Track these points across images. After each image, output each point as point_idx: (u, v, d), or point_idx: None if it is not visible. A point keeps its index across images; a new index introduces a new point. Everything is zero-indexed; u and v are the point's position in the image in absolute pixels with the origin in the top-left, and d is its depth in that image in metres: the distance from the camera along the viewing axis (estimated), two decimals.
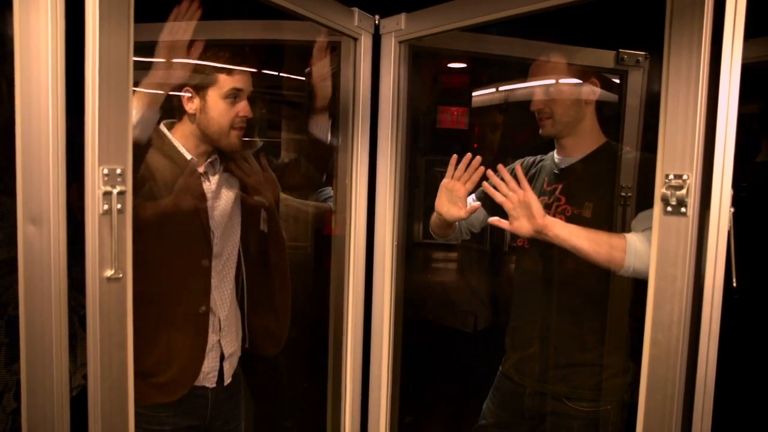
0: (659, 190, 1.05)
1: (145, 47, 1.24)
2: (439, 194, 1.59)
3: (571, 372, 1.51)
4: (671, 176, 1.04)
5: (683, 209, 1.03)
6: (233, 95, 1.41)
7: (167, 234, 1.37)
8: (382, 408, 1.79)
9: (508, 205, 1.40)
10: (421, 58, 1.94)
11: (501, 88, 2.39)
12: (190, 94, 1.40)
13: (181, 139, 1.44)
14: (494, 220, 1.44)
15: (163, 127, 1.45)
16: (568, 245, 1.34)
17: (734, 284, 1.04)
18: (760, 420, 1.83)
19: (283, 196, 1.75)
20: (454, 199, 1.55)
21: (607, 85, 1.64)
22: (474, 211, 1.54)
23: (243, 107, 1.43)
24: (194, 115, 1.42)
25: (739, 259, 1.05)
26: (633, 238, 1.31)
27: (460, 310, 2.51)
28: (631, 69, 1.83)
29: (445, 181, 1.56)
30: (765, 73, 2.07)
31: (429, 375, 2.39)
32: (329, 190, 1.93)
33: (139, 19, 0.97)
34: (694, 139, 1.02)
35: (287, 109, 2.42)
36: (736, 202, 1.03)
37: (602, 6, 1.28)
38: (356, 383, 1.80)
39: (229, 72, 1.40)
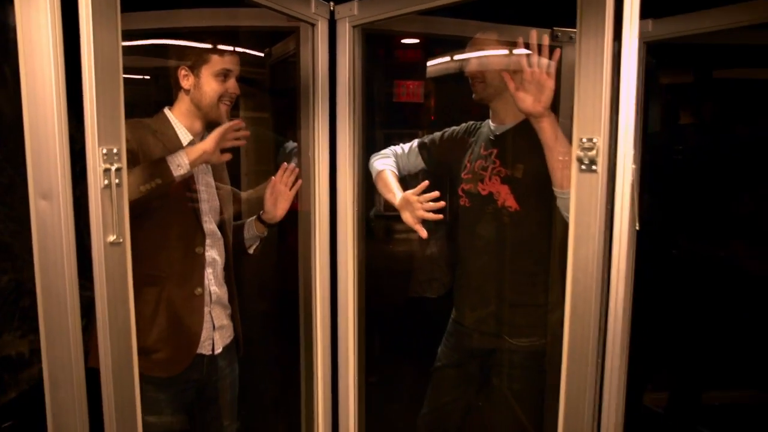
0: (575, 151, 1.26)
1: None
2: (403, 198, 1.79)
3: (510, 313, 1.75)
4: (584, 139, 1.25)
5: (594, 167, 1.24)
6: (223, 74, 1.61)
7: (166, 222, 1.56)
8: (350, 366, 1.96)
9: (527, 75, 1.50)
10: (376, 38, 2.10)
11: (453, 60, 2.55)
12: (186, 72, 1.60)
13: (179, 117, 1.65)
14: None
15: (167, 111, 1.66)
16: (545, 140, 1.52)
17: (637, 227, 1.27)
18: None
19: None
20: (410, 209, 1.75)
21: None
22: (420, 231, 1.75)
23: (232, 84, 1.64)
24: (189, 90, 1.62)
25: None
26: None
27: (422, 279, 2.71)
28: (565, 45, 2.02)
29: (409, 194, 1.75)
30: (681, 48, 2.33)
31: (393, 336, 2.60)
32: (291, 143, 2.10)
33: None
34: (601, 108, 1.22)
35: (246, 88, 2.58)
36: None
37: None
38: (325, 346, 1.96)
39: (220, 53, 1.60)
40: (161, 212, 1.53)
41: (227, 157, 1.61)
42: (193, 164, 1.52)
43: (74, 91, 1.07)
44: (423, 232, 1.74)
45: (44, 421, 1.88)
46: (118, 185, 1.11)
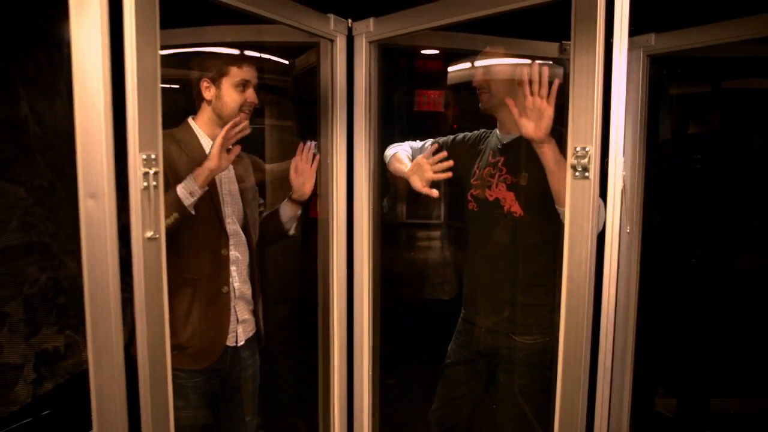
0: (569, 159, 1.37)
1: None
2: (414, 163, 1.90)
3: (516, 312, 1.85)
4: (578, 148, 1.35)
5: (587, 174, 1.35)
6: (242, 84, 1.74)
7: (193, 230, 1.68)
8: (364, 368, 2.07)
9: (528, 102, 1.60)
10: (396, 49, 2.21)
11: (464, 70, 2.65)
12: (207, 84, 1.74)
13: (202, 126, 1.78)
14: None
15: (191, 121, 1.79)
16: (546, 163, 1.63)
17: (628, 230, 1.37)
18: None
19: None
20: (420, 174, 1.86)
21: None
22: (429, 192, 1.85)
23: (250, 95, 1.76)
24: (211, 101, 1.75)
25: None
26: None
27: (435, 281, 2.83)
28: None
29: (421, 158, 1.88)
30: (691, 60, 2.42)
31: (408, 335, 2.71)
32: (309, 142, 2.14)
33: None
34: (593, 119, 1.33)
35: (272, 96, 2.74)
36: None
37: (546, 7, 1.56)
38: (342, 345, 2.07)
39: (239, 65, 1.73)
40: (189, 221, 1.64)
41: (237, 150, 1.68)
42: (203, 185, 1.61)
43: (118, 103, 1.21)
44: (434, 192, 1.84)
45: (78, 411, 2.03)
46: (155, 187, 1.25)
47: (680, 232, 2.68)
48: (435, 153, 1.84)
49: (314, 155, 1.97)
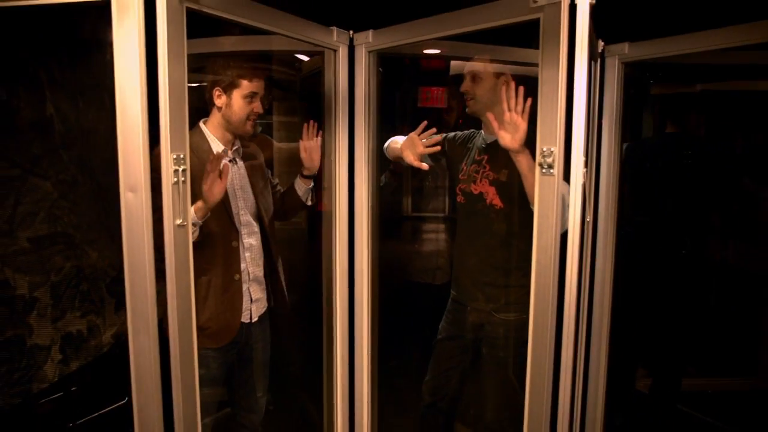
0: (538, 158, 1.59)
1: None
2: (407, 138, 2.11)
3: (497, 292, 2.08)
4: (544, 149, 1.57)
5: (552, 170, 1.56)
6: (250, 96, 1.95)
7: (208, 227, 1.88)
8: (364, 347, 2.28)
9: (506, 116, 1.79)
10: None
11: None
12: (219, 93, 1.94)
13: (212, 130, 1.98)
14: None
15: (202, 125, 1.99)
16: (521, 170, 1.83)
17: (588, 219, 1.59)
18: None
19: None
20: (412, 149, 2.08)
21: (521, 80, 2.14)
22: (420, 165, 2.06)
23: (257, 105, 1.98)
24: (221, 108, 1.96)
25: None
26: None
27: (428, 267, 3.05)
28: None
29: (413, 134, 2.09)
30: (665, 67, 2.62)
31: (405, 318, 2.92)
32: None
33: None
34: (557, 125, 1.54)
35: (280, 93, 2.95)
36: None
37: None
38: (344, 332, 2.27)
39: (249, 79, 1.94)
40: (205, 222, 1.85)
41: (223, 186, 1.81)
42: (203, 217, 1.80)
43: (152, 110, 1.44)
44: (424, 166, 2.06)
45: (101, 389, 2.22)
46: (183, 182, 1.47)
47: (652, 222, 2.88)
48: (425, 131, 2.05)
49: (318, 132, 2.19)
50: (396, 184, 2.50)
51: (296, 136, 2.31)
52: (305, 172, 2.23)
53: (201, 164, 1.81)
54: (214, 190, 1.78)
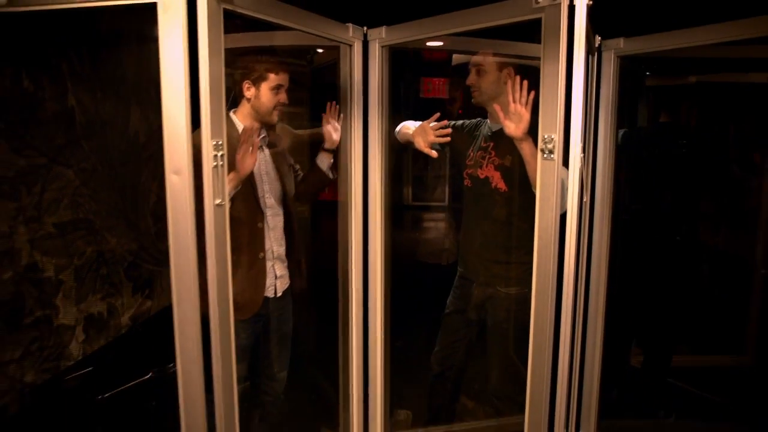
0: (540, 145, 1.75)
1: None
2: (419, 126, 2.27)
3: (501, 268, 2.25)
4: (546, 136, 1.73)
5: (552, 155, 1.72)
6: (277, 88, 2.11)
7: (236, 209, 2.00)
8: (377, 327, 2.43)
9: (511, 107, 1.93)
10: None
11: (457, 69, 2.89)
12: (248, 85, 2.10)
13: (241, 119, 2.14)
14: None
15: (231, 114, 2.15)
16: (524, 156, 1.98)
17: (585, 199, 1.75)
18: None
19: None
20: (424, 136, 2.24)
21: (522, 72, 2.28)
22: (429, 152, 2.21)
23: (282, 96, 2.13)
24: (250, 99, 2.12)
25: None
26: None
27: (436, 249, 3.22)
28: None
29: (426, 123, 2.25)
30: (660, 60, 2.77)
31: (416, 295, 3.08)
32: None
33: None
34: (557, 114, 1.70)
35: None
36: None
37: None
38: (359, 312, 2.42)
39: (276, 72, 2.09)
40: (230, 202, 1.92)
41: (254, 159, 1.97)
42: (236, 188, 1.94)
43: (194, 100, 1.59)
44: (434, 153, 2.22)
45: (120, 370, 2.30)
46: (222, 165, 1.63)
47: (647, 210, 3.05)
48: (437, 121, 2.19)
49: (339, 111, 2.32)
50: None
51: (308, 125, 2.44)
52: (327, 146, 2.34)
53: (232, 150, 1.93)
54: (246, 161, 1.93)
